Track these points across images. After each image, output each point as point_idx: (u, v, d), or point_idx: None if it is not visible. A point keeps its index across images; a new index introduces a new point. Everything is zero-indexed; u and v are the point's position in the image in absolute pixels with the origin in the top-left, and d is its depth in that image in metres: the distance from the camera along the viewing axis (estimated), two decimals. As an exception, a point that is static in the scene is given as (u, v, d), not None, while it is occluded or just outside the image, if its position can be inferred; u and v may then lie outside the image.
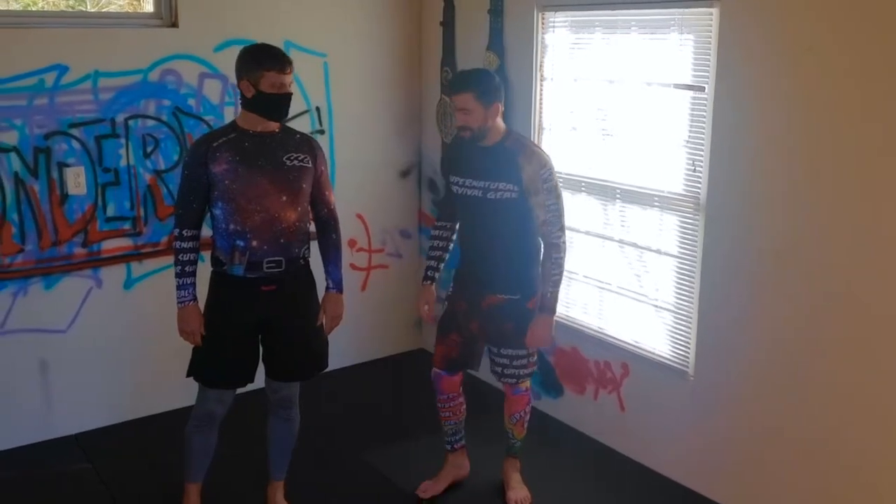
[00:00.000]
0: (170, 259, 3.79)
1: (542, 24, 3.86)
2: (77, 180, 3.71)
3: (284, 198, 2.86)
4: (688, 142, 3.32)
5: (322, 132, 4.34)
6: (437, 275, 3.32)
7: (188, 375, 2.99)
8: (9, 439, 3.73)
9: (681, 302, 3.45)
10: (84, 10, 4.31)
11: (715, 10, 3.11)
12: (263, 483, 3.27)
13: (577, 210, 3.82)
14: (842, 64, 2.77)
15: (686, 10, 3.24)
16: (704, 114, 3.21)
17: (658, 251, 3.52)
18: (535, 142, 3.95)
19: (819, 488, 3.02)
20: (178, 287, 2.89)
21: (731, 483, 3.33)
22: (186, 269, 2.88)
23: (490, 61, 4.07)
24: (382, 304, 4.74)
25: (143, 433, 3.94)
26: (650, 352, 3.60)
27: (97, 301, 3.86)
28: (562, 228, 3.06)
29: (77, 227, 3.76)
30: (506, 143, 3.04)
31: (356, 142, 4.47)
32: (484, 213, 3.07)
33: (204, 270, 2.97)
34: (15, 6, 4.14)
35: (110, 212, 3.83)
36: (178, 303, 2.90)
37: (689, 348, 3.43)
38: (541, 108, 3.96)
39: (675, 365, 3.49)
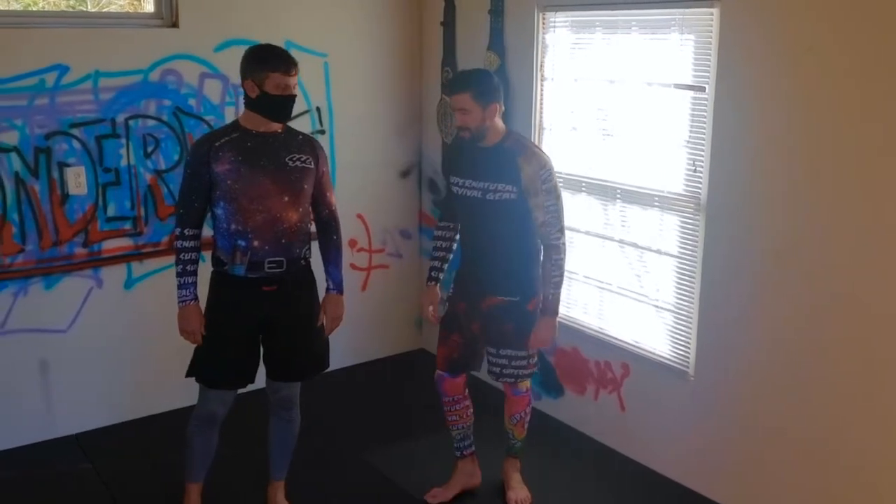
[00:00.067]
0: (170, 259, 3.78)
1: (543, 24, 3.86)
2: (78, 180, 3.71)
3: (286, 198, 2.86)
4: (688, 142, 3.32)
5: (322, 132, 4.34)
6: (440, 275, 3.31)
7: (188, 376, 2.99)
8: (9, 439, 3.74)
9: (681, 302, 3.45)
10: (85, 10, 4.31)
11: (715, 11, 3.11)
12: (264, 483, 3.27)
13: (577, 210, 3.83)
14: (842, 64, 2.77)
15: (686, 10, 3.24)
16: (705, 114, 3.21)
17: (658, 251, 3.52)
18: (536, 142, 3.95)
19: (819, 488, 3.02)
20: (179, 286, 2.89)
21: (731, 483, 3.33)
22: (188, 268, 2.88)
23: (491, 61, 4.07)
24: (383, 304, 4.74)
25: (143, 433, 3.94)
26: (650, 352, 3.60)
27: (98, 301, 3.86)
28: (561, 230, 3.05)
29: (78, 227, 3.76)
30: (505, 144, 3.03)
31: (357, 142, 4.47)
32: (483, 213, 3.06)
33: (204, 270, 2.97)
34: (15, 6, 4.14)
35: (111, 212, 3.83)
36: (179, 302, 2.90)
37: (689, 348, 3.43)
38: (541, 108, 3.96)
39: (675, 365, 3.49)
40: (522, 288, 3.10)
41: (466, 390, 3.34)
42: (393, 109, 4.60)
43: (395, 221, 4.74)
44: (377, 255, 4.71)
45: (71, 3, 4.38)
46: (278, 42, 3.09)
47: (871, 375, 2.83)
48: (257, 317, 2.93)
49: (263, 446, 3.21)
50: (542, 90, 3.94)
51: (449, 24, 4.37)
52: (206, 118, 3.97)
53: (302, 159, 2.90)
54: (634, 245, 3.62)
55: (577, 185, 3.82)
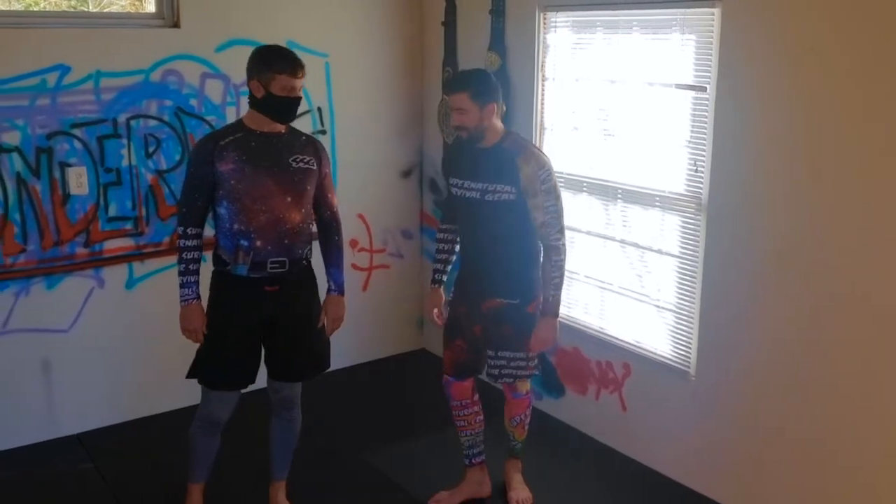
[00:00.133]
0: (172, 259, 3.79)
1: (544, 24, 3.86)
2: (79, 180, 3.71)
3: (289, 199, 2.86)
4: (689, 142, 3.32)
5: (324, 132, 4.34)
6: (444, 277, 3.31)
7: (189, 377, 2.99)
8: (11, 439, 3.74)
9: (682, 302, 3.45)
10: (86, 10, 4.30)
11: (717, 11, 3.11)
12: (265, 483, 3.27)
13: (578, 210, 3.83)
14: (843, 64, 2.77)
15: (688, 10, 3.24)
16: (706, 114, 3.21)
17: (659, 251, 3.52)
18: (537, 142, 3.95)
19: (819, 488, 3.03)
20: (182, 285, 2.88)
21: (732, 483, 3.33)
22: (190, 267, 2.88)
23: (492, 61, 4.07)
24: (384, 304, 4.74)
25: (145, 433, 3.94)
26: (652, 352, 3.60)
27: (99, 301, 3.87)
28: (561, 230, 3.03)
29: (79, 227, 3.77)
30: (504, 145, 3.02)
31: (358, 142, 4.47)
32: (482, 214, 3.05)
33: (204, 270, 2.96)
34: (17, 6, 4.14)
35: (112, 212, 3.83)
36: (182, 301, 2.89)
37: (690, 348, 3.44)
38: (542, 108, 3.96)
39: (676, 365, 3.49)
40: (522, 290, 3.09)
41: (476, 395, 3.31)
42: (394, 109, 4.60)
43: (396, 221, 4.74)
44: (378, 255, 4.71)
45: (72, 3, 4.37)
46: (280, 42, 3.09)
47: (871, 376, 2.83)
48: (259, 317, 2.93)
49: (265, 446, 3.21)
50: (543, 90, 3.94)
51: (450, 23, 4.37)
52: (208, 118, 3.97)
53: (305, 160, 2.90)
54: (636, 245, 3.62)
55: (579, 185, 3.82)
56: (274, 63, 2.77)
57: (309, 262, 3.01)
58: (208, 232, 2.93)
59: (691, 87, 3.27)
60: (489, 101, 2.97)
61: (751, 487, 3.25)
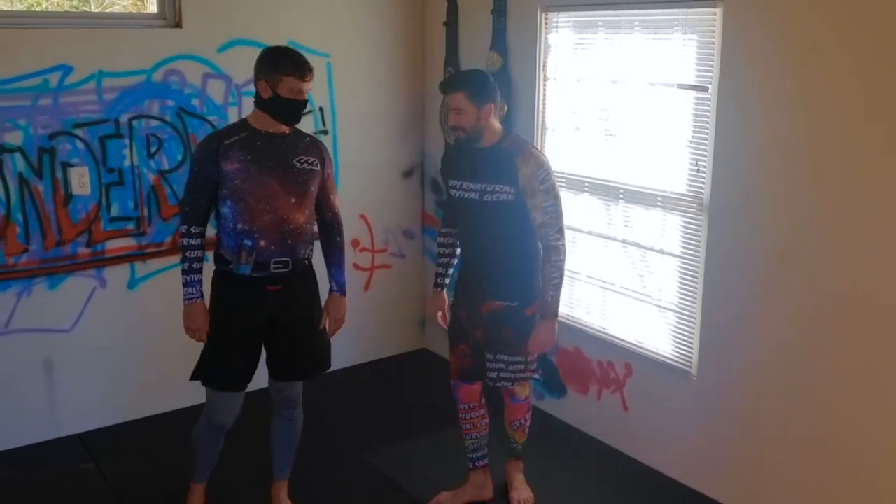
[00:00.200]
0: (173, 259, 3.80)
1: (546, 24, 3.86)
2: (81, 180, 3.72)
3: (293, 200, 2.86)
4: (691, 142, 3.32)
5: (325, 132, 4.34)
6: (446, 280, 3.31)
7: (193, 378, 2.98)
8: (13, 438, 3.74)
9: (684, 302, 3.45)
10: (88, 10, 4.31)
11: (718, 11, 3.11)
12: (266, 483, 3.27)
13: (580, 210, 3.83)
14: (845, 64, 2.77)
15: (689, 10, 3.24)
16: (708, 114, 3.21)
17: (661, 251, 3.52)
18: (539, 142, 3.95)
19: (822, 488, 3.02)
20: (186, 284, 2.88)
21: (733, 483, 3.33)
22: (194, 266, 2.88)
23: (493, 61, 4.07)
24: (385, 304, 4.74)
25: (147, 433, 3.95)
26: (653, 352, 3.60)
27: (101, 301, 3.87)
28: (560, 230, 3.02)
29: (81, 227, 3.77)
30: (502, 145, 3.01)
31: (359, 142, 4.47)
32: (481, 215, 3.04)
33: (205, 270, 2.97)
34: (19, 6, 4.15)
35: (114, 212, 3.83)
36: (185, 300, 2.89)
37: (692, 348, 3.43)
38: (544, 108, 3.96)
39: (678, 365, 3.49)
40: (522, 292, 3.07)
41: (483, 399, 3.31)
42: (395, 109, 4.60)
43: (397, 221, 4.74)
44: (380, 256, 4.71)
45: (74, 3, 4.38)
46: (281, 42, 3.09)
47: (872, 376, 2.83)
48: (260, 316, 2.93)
49: (265, 446, 3.22)
50: (544, 90, 3.94)
51: (451, 23, 4.37)
52: (210, 118, 3.98)
53: (309, 161, 2.90)
54: (637, 245, 3.62)
55: (580, 186, 3.82)
56: (283, 65, 2.77)
57: (310, 262, 3.02)
58: (209, 231, 2.94)
59: (693, 87, 3.27)
60: (487, 102, 2.96)
61: (752, 487, 3.25)
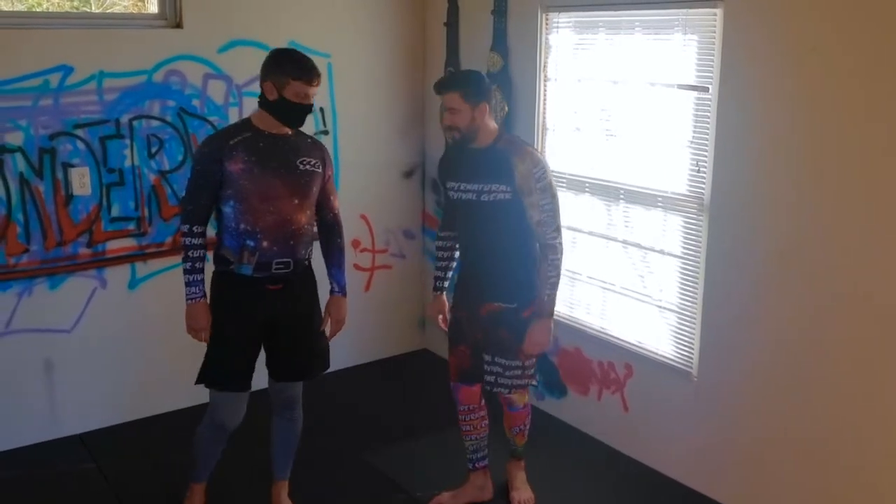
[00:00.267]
0: (174, 259, 3.80)
1: (546, 24, 3.86)
2: (82, 181, 3.72)
3: (296, 201, 2.86)
4: (692, 142, 3.32)
5: (326, 132, 4.34)
6: (445, 284, 3.30)
7: (198, 383, 2.97)
8: (14, 439, 3.74)
9: (684, 302, 3.45)
10: (88, 10, 4.31)
11: (719, 11, 3.11)
12: (266, 483, 3.27)
13: (580, 210, 3.83)
14: (846, 64, 2.77)
15: (690, 10, 3.24)
16: (708, 114, 3.21)
17: (662, 252, 3.52)
18: (539, 142, 3.95)
19: (822, 488, 3.02)
20: (188, 284, 2.87)
21: (733, 483, 3.33)
22: (196, 265, 2.87)
23: (494, 62, 4.07)
24: (386, 304, 4.74)
25: (147, 433, 3.95)
26: (654, 352, 3.60)
27: (102, 301, 3.87)
28: (557, 229, 3.00)
29: (82, 228, 3.77)
30: (498, 145, 3.01)
31: (360, 142, 4.47)
32: (479, 216, 3.03)
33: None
34: (20, 7, 4.15)
35: (115, 212, 3.84)
36: (188, 300, 2.88)
37: (692, 349, 3.43)
38: (544, 108, 3.96)
39: (678, 365, 3.49)
40: (521, 293, 3.06)
41: (483, 400, 3.30)
42: (396, 110, 4.60)
43: (398, 222, 4.74)
44: (380, 256, 4.71)
45: (75, 3, 4.39)
46: (282, 43, 3.09)
47: (873, 376, 2.83)
48: (260, 316, 2.93)
49: (265, 446, 3.22)
50: (545, 91, 3.94)
51: (452, 24, 4.37)
52: (210, 119, 3.98)
53: (311, 163, 2.91)
54: (638, 245, 3.62)
55: (581, 186, 3.82)
56: (291, 69, 2.77)
57: (310, 262, 3.02)
58: (208, 231, 2.93)
59: (693, 88, 3.27)
60: (481, 101, 2.96)
61: (753, 487, 3.25)
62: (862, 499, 2.92)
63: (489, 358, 3.13)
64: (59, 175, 3.68)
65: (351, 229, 4.08)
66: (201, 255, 2.88)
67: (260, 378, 3.03)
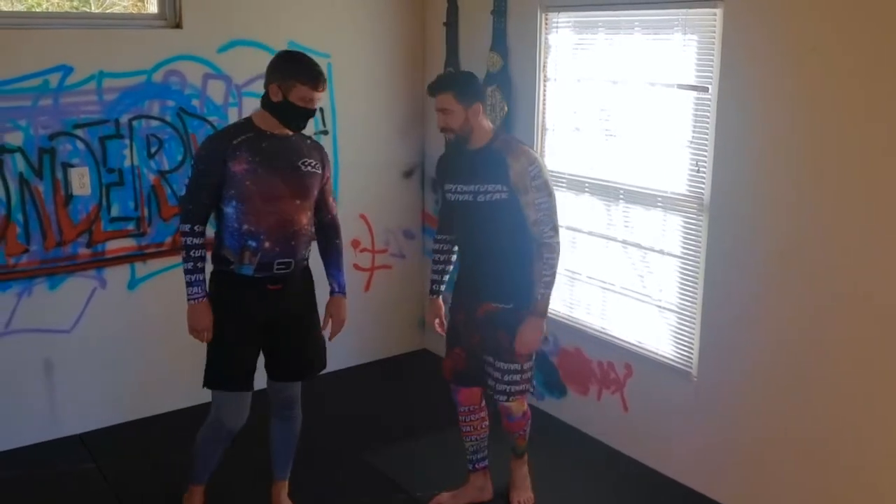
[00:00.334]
0: (174, 259, 3.81)
1: (546, 24, 3.86)
2: (81, 181, 3.72)
3: (298, 201, 2.86)
4: (691, 142, 3.32)
5: (325, 132, 4.34)
6: (441, 287, 3.30)
7: (205, 386, 2.95)
8: (13, 439, 3.74)
9: (684, 302, 3.45)
10: (88, 10, 4.31)
11: (718, 11, 3.11)
12: (265, 483, 3.27)
13: (580, 210, 3.83)
14: (846, 64, 2.77)
15: (689, 10, 3.24)
16: (708, 114, 3.21)
17: (661, 252, 3.52)
18: (538, 142, 3.95)
19: (822, 488, 3.02)
20: (190, 283, 2.86)
21: (734, 483, 3.33)
22: (198, 265, 2.86)
23: (493, 62, 4.07)
24: (386, 304, 4.74)
25: (147, 433, 3.95)
26: (653, 352, 3.60)
27: (101, 301, 3.87)
28: (554, 228, 2.99)
29: (81, 228, 3.77)
30: (494, 145, 3.00)
31: (359, 142, 4.47)
32: (477, 217, 3.02)
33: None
34: (19, 7, 4.15)
35: (114, 212, 3.84)
36: (190, 300, 2.87)
37: (692, 349, 3.43)
38: (544, 108, 3.96)
39: (678, 366, 3.49)
40: (519, 294, 3.05)
41: (483, 401, 3.30)
42: (396, 110, 4.60)
43: (398, 222, 4.74)
44: (380, 256, 4.71)
45: (74, 3, 4.38)
46: (282, 43, 3.09)
47: (873, 376, 2.83)
48: (260, 316, 2.93)
49: (265, 446, 3.22)
50: (544, 91, 3.94)
51: (452, 24, 4.37)
52: (210, 119, 3.98)
53: (312, 164, 2.91)
54: (637, 245, 3.62)
55: (580, 186, 3.82)
56: (298, 73, 2.76)
57: (308, 262, 3.02)
58: (207, 231, 2.93)
59: (693, 88, 3.27)
60: (474, 101, 2.95)
61: (752, 487, 3.25)
62: (862, 499, 2.92)
63: (490, 359, 3.13)
64: (59, 175, 3.67)
65: (351, 229, 4.08)
66: (202, 254, 2.88)
67: (259, 378, 3.03)
